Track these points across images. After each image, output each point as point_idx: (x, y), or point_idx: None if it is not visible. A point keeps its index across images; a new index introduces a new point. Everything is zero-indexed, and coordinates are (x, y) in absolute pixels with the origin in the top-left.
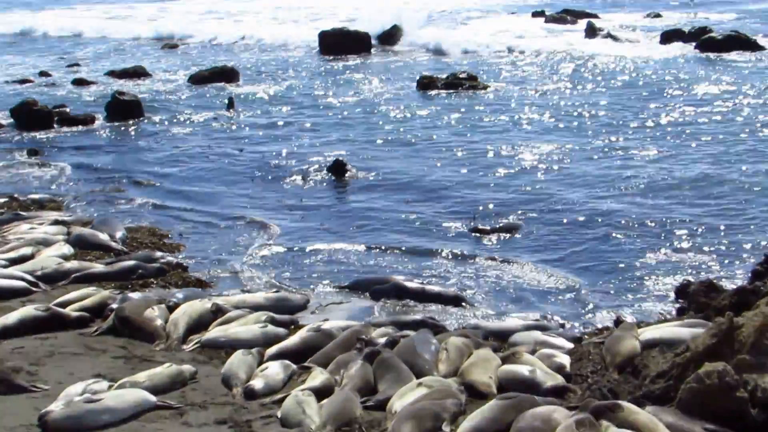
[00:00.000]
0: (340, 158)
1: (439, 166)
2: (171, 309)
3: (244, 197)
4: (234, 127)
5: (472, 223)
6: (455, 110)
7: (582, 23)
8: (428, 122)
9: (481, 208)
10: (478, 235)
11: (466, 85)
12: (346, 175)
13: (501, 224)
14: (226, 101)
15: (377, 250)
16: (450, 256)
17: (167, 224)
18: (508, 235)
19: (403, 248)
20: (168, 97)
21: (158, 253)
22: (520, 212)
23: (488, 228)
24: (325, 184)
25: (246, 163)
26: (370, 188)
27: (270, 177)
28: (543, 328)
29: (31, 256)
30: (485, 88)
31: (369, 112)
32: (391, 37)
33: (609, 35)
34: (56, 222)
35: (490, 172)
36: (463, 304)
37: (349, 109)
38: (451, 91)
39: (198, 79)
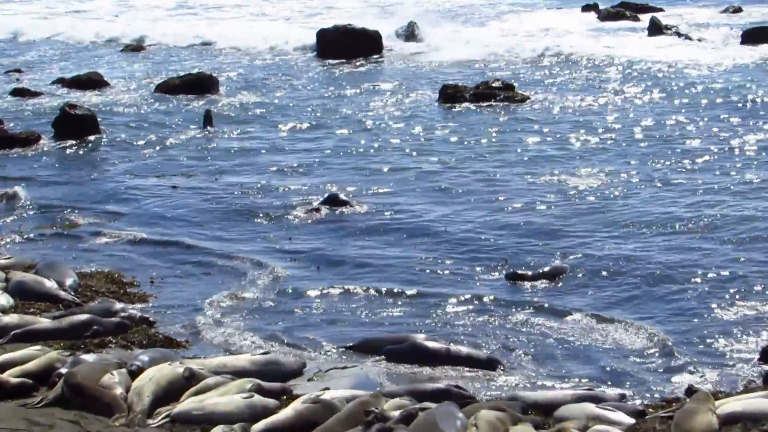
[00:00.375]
0: (338, 192)
1: (465, 200)
2: (134, 375)
3: (224, 236)
4: (212, 148)
5: (507, 268)
6: (487, 129)
7: (644, 19)
8: (452, 145)
9: (515, 249)
10: (515, 281)
11: (500, 96)
12: (346, 211)
13: (544, 269)
14: (202, 117)
15: (389, 298)
16: (480, 308)
17: (130, 268)
18: (551, 282)
19: (421, 298)
20: (130, 111)
21: (118, 305)
22: (562, 254)
23: (528, 273)
24: (320, 221)
25: (226, 194)
26: (376, 227)
27: (255, 212)
28: (597, 400)
29: None
30: (523, 99)
31: (378, 132)
32: (406, 36)
33: (678, 34)
34: None
35: (528, 205)
36: (498, 368)
37: (353, 128)
38: (482, 104)
39: (167, 89)
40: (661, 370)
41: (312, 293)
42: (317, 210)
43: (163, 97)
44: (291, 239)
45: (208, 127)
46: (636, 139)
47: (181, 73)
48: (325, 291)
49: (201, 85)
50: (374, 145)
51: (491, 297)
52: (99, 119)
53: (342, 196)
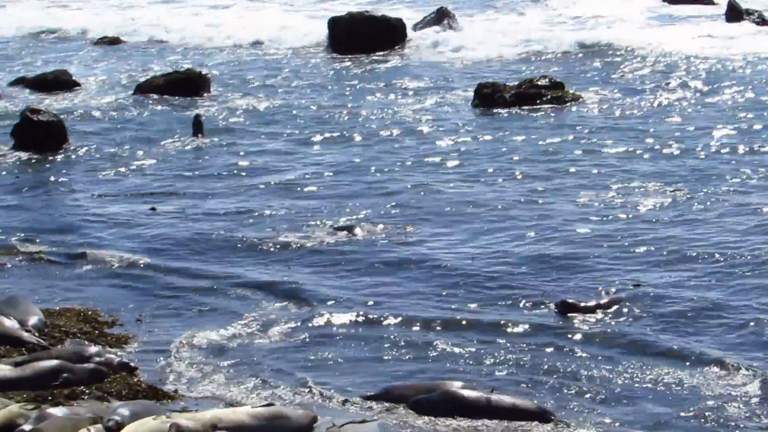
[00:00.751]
0: (351, 218)
1: (502, 225)
2: None
3: (214, 268)
4: (201, 162)
5: (549, 301)
6: (531, 138)
7: (720, 3)
8: (488, 158)
9: (560, 280)
10: (565, 314)
11: (548, 96)
12: (360, 237)
13: (600, 300)
14: (192, 124)
15: (415, 339)
16: (526, 347)
17: (107, 305)
18: (610, 314)
19: (454, 338)
20: (104, 116)
21: (92, 348)
22: (620, 284)
23: (581, 303)
24: (331, 250)
25: (217, 217)
26: (396, 257)
27: (251, 238)
28: None
29: None
30: (575, 100)
31: (399, 142)
32: (435, 25)
33: (762, 20)
34: None
35: (575, 231)
36: (551, 420)
37: (370, 137)
38: (526, 106)
39: (149, 90)
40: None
41: (324, 332)
42: (330, 235)
43: (144, 100)
44: (290, 267)
45: (198, 136)
46: (711, 151)
47: (166, 71)
48: (339, 329)
49: (189, 85)
50: (394, 159)
51: (538, 333)
52: (67, 127)
53: (355, 223)
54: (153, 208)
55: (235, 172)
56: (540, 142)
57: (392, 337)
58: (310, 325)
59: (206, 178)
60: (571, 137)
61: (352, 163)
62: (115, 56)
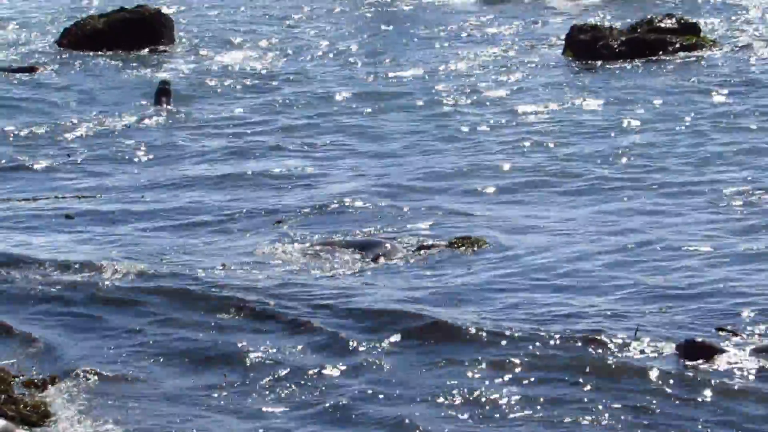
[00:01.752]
0: (378, 234)
1: (601, 226)
2: None
3: (172, 294)
4: (171, 143)
5: (639, 336)
6: (649, 102)
7: None
8: (587, 132)
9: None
10: (693, 359)
11: (675, 43)
12: (379, 260)
13: (754, 340)
14: (155, 93)
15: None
16: (632, 404)
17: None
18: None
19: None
20: (22, 78)
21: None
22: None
23: (720, 345)
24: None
25: (178, 218)
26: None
27: (233, 243)
28: None
29: None
30: (713, 45)
31: (461, 111)
32: None
33: None
34: None
35: (719, 238)
36: None
37: (416, 105)
38: (641, 58)
39: (81, 40)
40: None
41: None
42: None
43: (74, 55)
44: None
45: (163, 105)
46: None
47: (109, 9)
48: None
49: (143, 30)
50: (455, 135)
51: (648, 383)
52: None
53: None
54: (68, 216)
55: (217, 152)
56: (663, 112)
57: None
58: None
59: (176, 158)
60: (704, 102)
61: (387, 140)
62: None
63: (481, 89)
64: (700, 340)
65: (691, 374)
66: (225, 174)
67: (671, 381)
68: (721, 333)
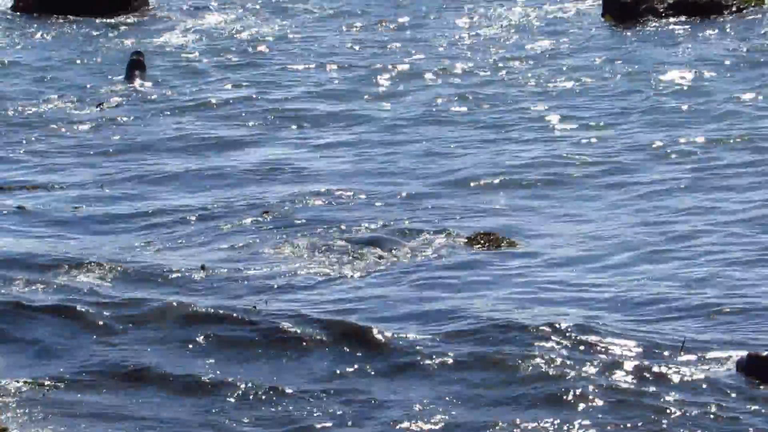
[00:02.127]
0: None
1: (639, 228)
2: None
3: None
4: (144, 127)
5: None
6: (701, 73)
7: None
8: (627, 109)
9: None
10: (757, 375)
11: (731, 5)
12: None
13: None
14: (127, 66)
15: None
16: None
17: None
18: None
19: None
20: None
21: None
22: None
23: None
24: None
25: (140, 215)
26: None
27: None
28: None
29: None
30: None
31: (481, 87)
32: None
33: None
34: None
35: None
36: None
37: (432, 81)
38: (691, 20)
39: (44, 3)
40: None
41: None
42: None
43: (32, 21)
44: (267, 302)
45: (134, 81)
46: None
47: None
48: None
49: None
50: (476, 116)
51: (707, 400)
52: None
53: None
54: (21, 207)
55: (192, 142)
56: (715, 82)
57: None
58: None
59: (149, 147)
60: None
61: (395, 124)
62: None
63: (504, 58)
64: (765, 354)
65: (751, 391)
66: (205, 164)
67: (726, 394)
68: None
